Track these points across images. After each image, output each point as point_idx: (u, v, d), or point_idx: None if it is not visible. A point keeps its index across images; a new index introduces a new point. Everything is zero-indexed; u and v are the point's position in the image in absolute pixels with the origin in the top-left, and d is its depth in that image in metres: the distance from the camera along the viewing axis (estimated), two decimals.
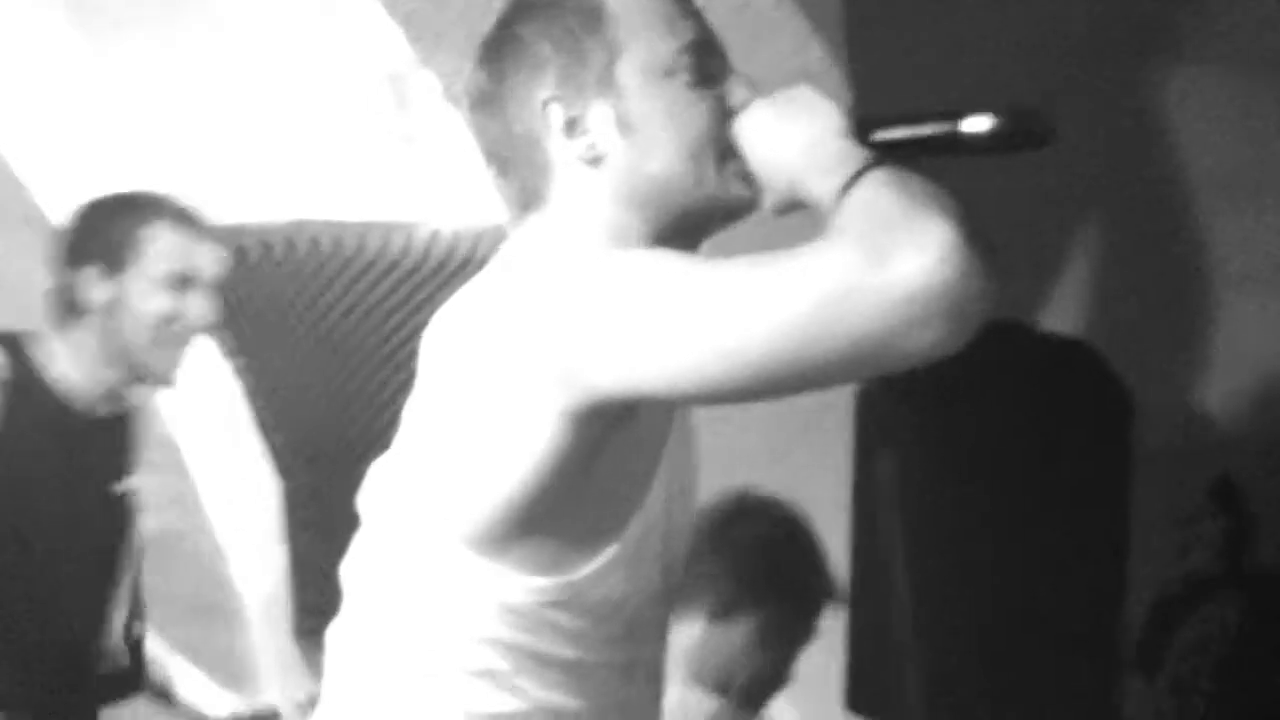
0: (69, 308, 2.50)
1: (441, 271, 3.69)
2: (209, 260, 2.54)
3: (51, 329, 2.51)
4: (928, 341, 1.12)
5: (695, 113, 1.35)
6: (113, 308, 2.47)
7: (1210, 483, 3.00)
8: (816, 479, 2.83)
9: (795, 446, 2.97)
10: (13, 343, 2.48)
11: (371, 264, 3.74)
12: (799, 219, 1.36)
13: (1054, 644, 2.75)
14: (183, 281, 2.49)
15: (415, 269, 3.71)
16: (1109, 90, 2.75)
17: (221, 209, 3.76)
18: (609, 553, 1.30)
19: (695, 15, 1.41)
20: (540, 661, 1.31)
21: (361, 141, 3.54)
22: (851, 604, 2.67)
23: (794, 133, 1.30)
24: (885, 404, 2.86)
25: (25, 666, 2.49)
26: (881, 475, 2.85)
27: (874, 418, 2.87)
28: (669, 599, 1.47)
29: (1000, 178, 2.74)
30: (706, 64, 1.37)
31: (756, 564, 2.19)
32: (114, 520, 2.61)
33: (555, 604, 1.30)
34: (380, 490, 1.38)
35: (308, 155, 3.65)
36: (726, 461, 3.01)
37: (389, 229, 3.70)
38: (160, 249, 2.49)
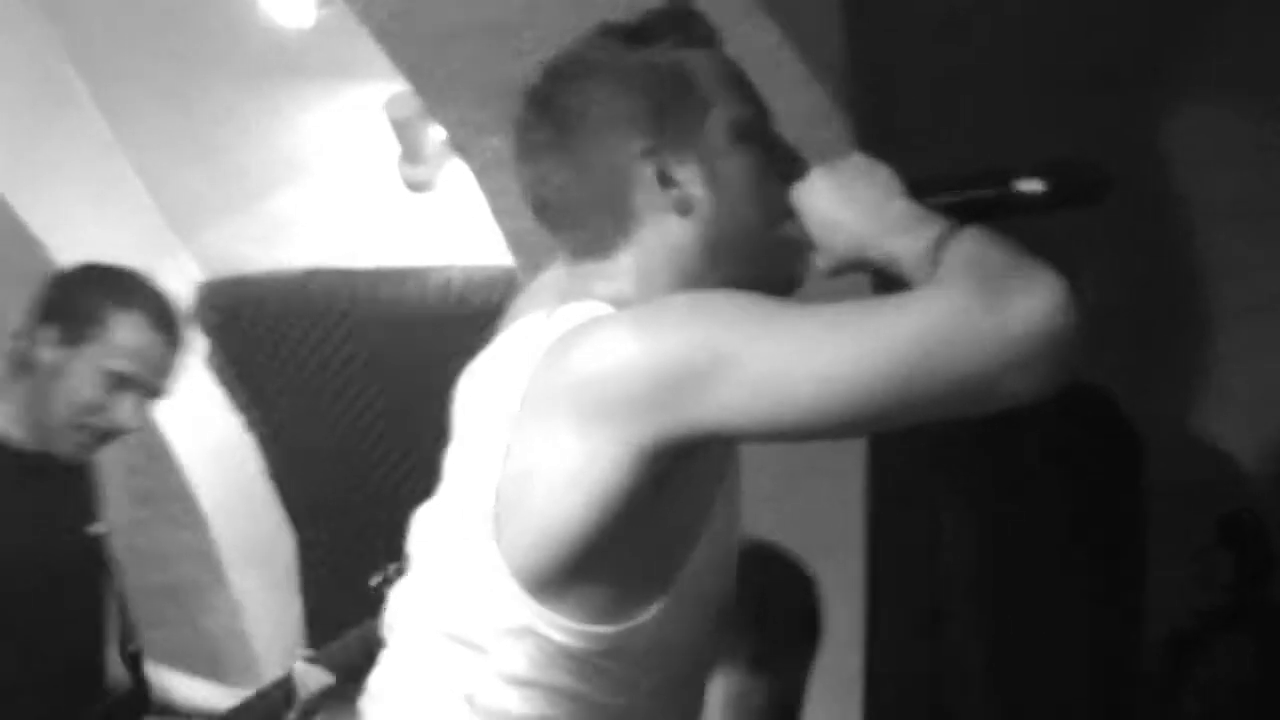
0: (20, 361, 2.48)
1: (454, 318, 3.70)
2: (159, 369, 2.50)
3: (3, 377, 2.49)
4: (1031, 384, 1.17)
5: (769, 179, 1.39)
6: (52, 374, 2.44)
7: (1222, 517, 2.98)
8: (828, 520, 2.82)
9: (807, 487, 2.97)
10: None
11: (384, 311, 3.75)
12: None
13: (1074, 680, 2.73)
14: (123, 381, 2.45)
15: (427, 315, 3.72)
16: (1113, 121, 2.76)
17: (234, 260, 3.80)
18: (664, 601, 1.29)
19: (754, 86, 1.46)
20: (591, 709, 1.31)
21: (372, 190, 3.56)
22: (868, 643, 2.66)
23: (856, 197, 1.34)
24: (899, 449, 2.85)
25: (31, 708, 2.49)
26: (900, 519, 2.84)
27: (887, 462, 2.87)
28: (714, 643, 1.47)
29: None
30: (769, 130, 1.42)
31: (789, 610, 2.19)
32: (86, 559, 2.61)
33: (609, 652, 1.29)
34: (430, 535, 1.38)
35: (320, 204, 3.66)
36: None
37: (401, 276, 3.71)
38: (120, 341, 2.45)
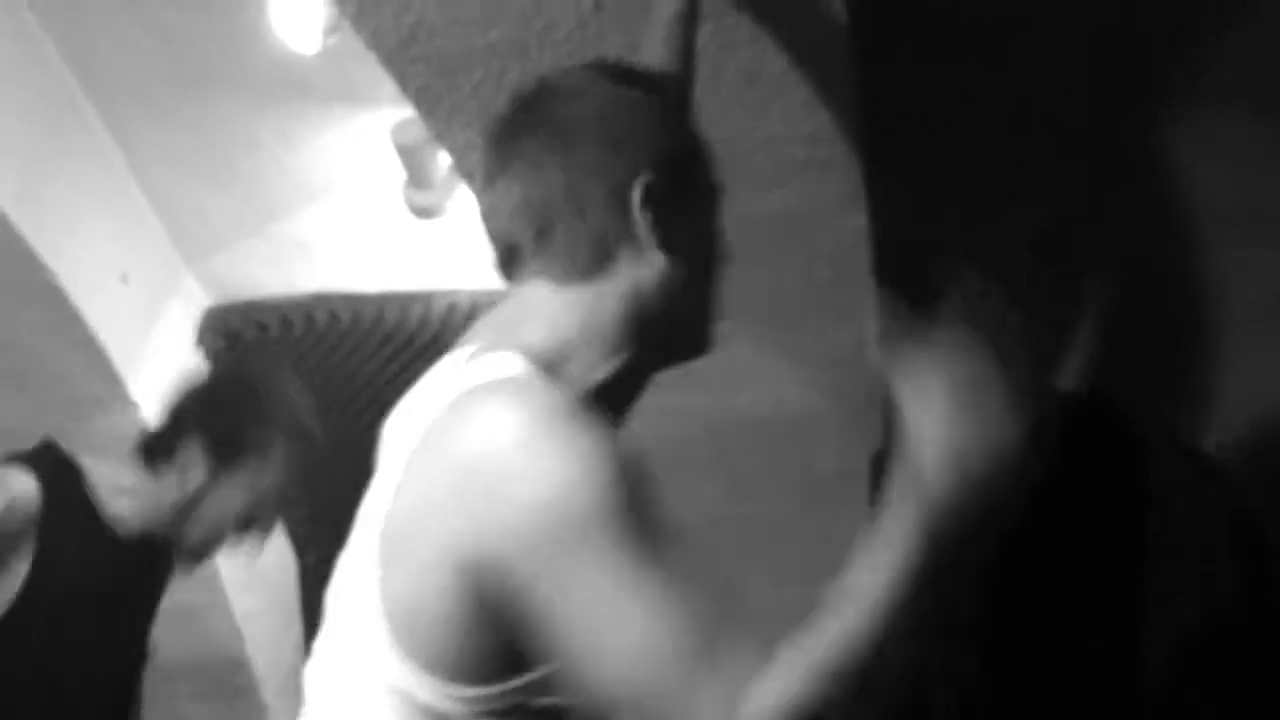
0: (158, 454, 2.52)
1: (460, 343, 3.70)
2: (296, 489, 2.59)
3: (128, 460, 2.55)
4: None
5: (721, 248, 1.43)
6: (199, 492, 2.50)
7: (1227, 522, 2.97)
8: (835, 547, 2.81)
9: (814, 513, 2.96)
10: (67, 466, 2.50)
11: (390, 336, 3.75)
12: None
13: (1082, 691, 2.72)
14: (268, 505, 2.55)
15: (433, 340, 3.72)
16: (1117, 126, 2.76)
17: (242, 284, 3.80)
18: (545, 667, 1.25)
19: None
20: None
21: (380, 214, 3.56)
22: None
23: (958, 434, 1.20)
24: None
25: None
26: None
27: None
28: None
29: (1014, 229, 2.76)
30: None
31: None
32: (138, 640, 2.64)
33: (484, 715, 1.25)
34: (336, 587, 1.36)
35: (327, 229, 3.67)
36: (748, 528, 3.02)
37: (406, 301, 3.71)
38: (273, 470, 2.52)
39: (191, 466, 2.49)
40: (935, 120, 2.60)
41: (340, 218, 3.61)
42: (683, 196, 1.38)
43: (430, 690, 1.24)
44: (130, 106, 3.39)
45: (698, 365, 2.97)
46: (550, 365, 1.31)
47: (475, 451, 1.20)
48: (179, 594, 3.77)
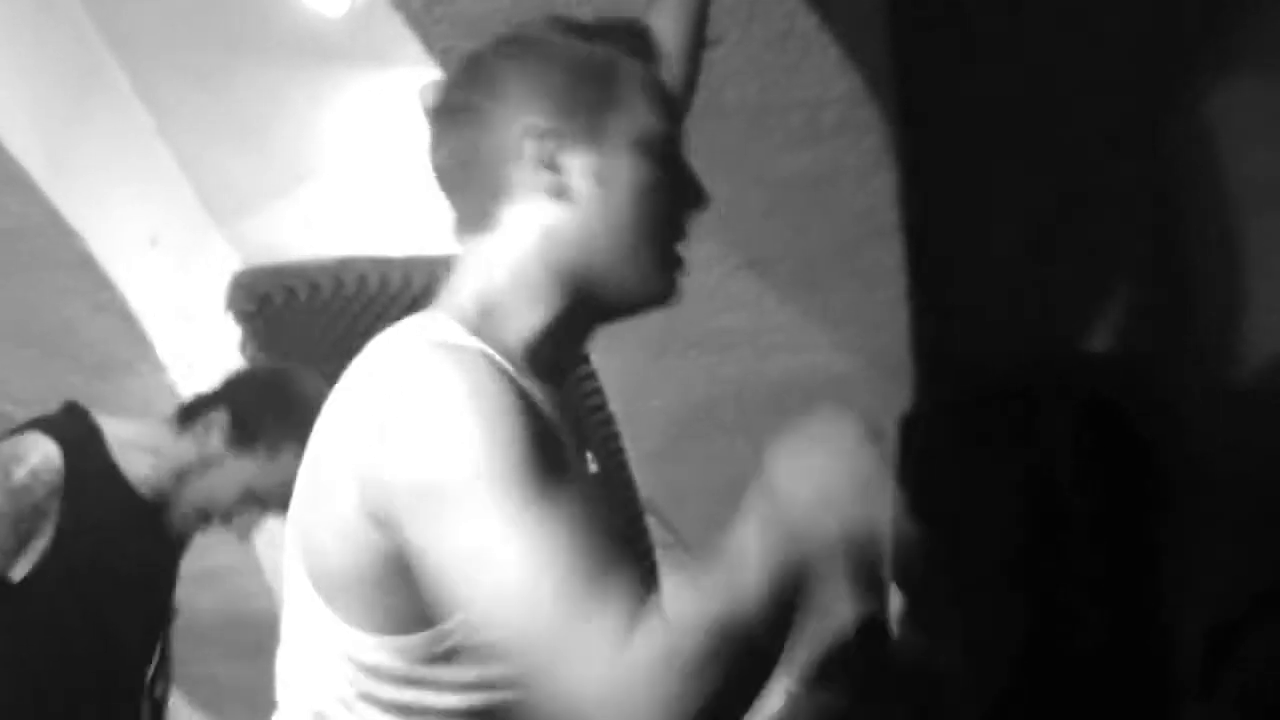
0: (189, 418, 2.56)
1: None
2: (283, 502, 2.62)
3: (154, 420, 2.61)
4: None
5: (664, 195, 1.39)
6: (206, 459, 2.53)
7: (1262, 506, 2.94)
8: None
9: None
10: (87, 428, 2.52)
11: (417, 300, 3.74)
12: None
13: (1100, 672, 2.71)
14: (258, 499, 2.56)
15: None
16: (1141, 99, 2.73)
17: (271, 247, 3.81)
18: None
19: (678, 110, 1.47)
20: (435, 714, 1.27)
21: (408, 177, 3.56)
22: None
23: (820, 492, 1.19)
24: (916, 431, 2.83)
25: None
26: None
27: (905, 447, 2.85)
28: None
29: (1045, 194, 2.74)
30: (677, 157, 1.42)
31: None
32: (162, 601, 2.66)
33: (421, 661, 1.25)
34: (287, 550, 1.37)
35: (356, 191, 3.67)
36: None
37: (434, 265, 3.70)
38: (279, 472, 2.51)
39: (211, 434, 2.52)
40: (967, 81, 2.57)
41: (368, 181, 3.61)
42: (590, 142, 1.36)
43: (359, 645, 1.25)
44: (158, 70, 3.39)
45: (729, 325, 2.96)
46: (478, 321, 1.32)
47: (369, 408, 1.23)
48: (208, 555, 3.81)
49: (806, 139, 2.42)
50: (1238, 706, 2.73)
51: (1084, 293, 3.11)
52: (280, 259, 3.79)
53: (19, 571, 2.39)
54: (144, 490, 2.53)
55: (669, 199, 1.39)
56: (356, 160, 3.57)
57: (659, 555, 3.57)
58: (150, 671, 2.65)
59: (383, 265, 3.74)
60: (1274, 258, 2.88)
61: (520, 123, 1.35)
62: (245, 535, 2.65)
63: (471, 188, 1.38)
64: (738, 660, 1.14)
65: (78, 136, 3.28)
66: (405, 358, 1.25)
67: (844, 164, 2.48)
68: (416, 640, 1.24)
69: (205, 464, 2.53)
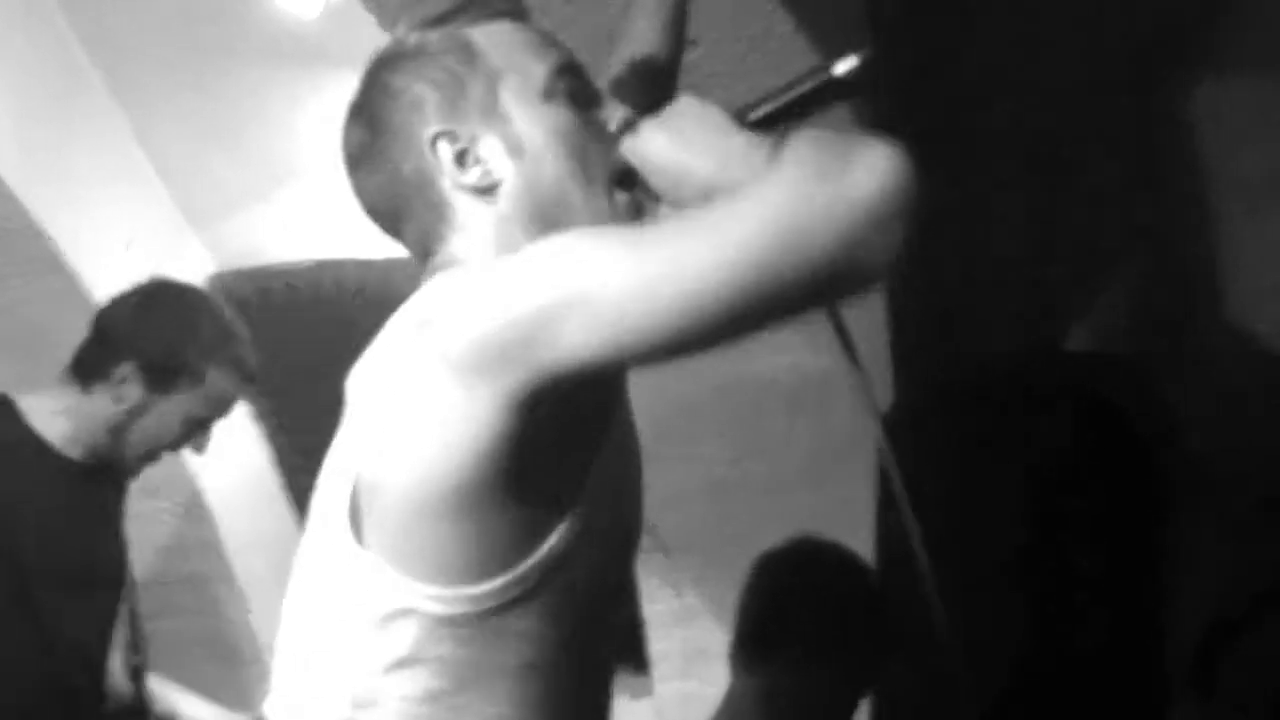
0: (91, 373, 2.53)
1: None
2: (233, 408, 2.63)
3: (61, 380, 2.56)
4: (883, 248, 1.14)
5: (580, 132, 1.39)
6: (133, 410, 2.52)
7: (1263, 501, 2.95)
8: (844, 510, 2.81)
9: (823, 476, 2.96)
10: (2, 404, 2.53)
11: (395, 302, 3.74)
12: None
13: (1099, 671, 2.71)
14: (203, 423, 2.58)
15: None
16: (1137, 97, 2.74)
17: (248, 250, 3.80)
18: (553, 540, 1.24)
19: (562, 44, 1.45)
20: (482, 674, 1.26)
21: None
22: None
23: (693, 140, 1.34)
24: (912, 431, 2.83)
25: (30, 709, 2.49)
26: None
27: (902, 447, 2.85)
28: (622, 593, 1.45)
29: (1034, 181, 2.74)
30: (580, 86, 1.42)
31: (840, 613, 2.15)
32: (110, 560, 2.65)
33: (490, 612, 1.24)
34: (309, 540, 1.36)
35: (333, 195, 3.66)
36: (756, 491, 3.01)
37: (412, 267, 3.70)
38: (209, 394, 2.56)
39: (127, 385, 2.50)
40: (950, 83, 2.58)
41: (346, 184, 3.60)
42: (492, 120, 1.37)
43: (431, 602, 1.23)
44: (136, 73, 3.39)
45: None
46: None
47: (469, 318, 1.19)
48: (182, 563, 3.80)
49: None
50: (1237, 707, 2.74)
51: (1077, 292, 3.12)
52: (257, 261, 3.79)
53: None
54: (72, 451, 2.52)
55: (590, 134, 1.39)
56: (334, 163, 3.56)
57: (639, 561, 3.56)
58: (115, 636, 2.64)
59: (360, 267, 3.74)
60: (1268, 255, 2.90)
61: (421, 138, 1.36)
62: (202, 449, 2.64)
63: (413, 215, 1.39)
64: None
65: (55, 139, 3.28)
66: (450, 278, 1.26)
67: None
68: (490, 587, 1.23)
69: (135, 414, 2.52)
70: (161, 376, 2.51)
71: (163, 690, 2.83)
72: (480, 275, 1.23)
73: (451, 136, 1.36)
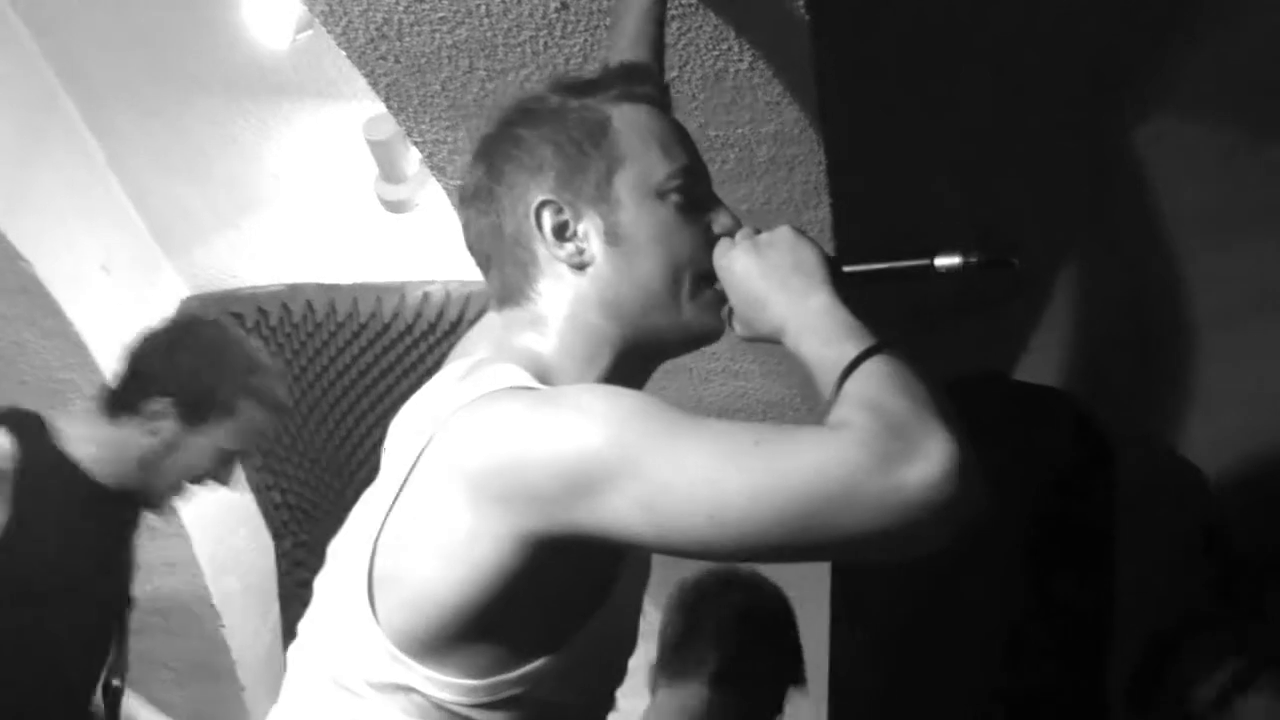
0: (122, 407, 2.59)
1: (432, 333, 3.73)
2: (265, 437, 2.70)
3: (91, 413, 2.62)
4: (921, 544, 1.16)
5: (682, 236, 1.40)
6: (168, 444, 2.58)
7: (1201, 523, 3.00)
8: None
9: None
10: (36, 422, 2.56)
11: (364, 326, 3.78)
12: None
13: (1039, 694, 2.75)
14: (235, 455, 2.63)
15: (406, 330, 3.75)
16: (1083, 133, 2.80)
17: (220, 275, 3.83)
18: (547, 661, 1.28)
19: (688, 139, 1.47)
20: None
21: (355, 207, 3.59)
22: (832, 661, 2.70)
23: (779, 279, 1.34)
24: None
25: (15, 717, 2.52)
26: None
27: None
28: (610, 698, 1.47)
29: (977, 225, 2.80)
30: (696, 190, 1.43)
31: (753, 633, 2.20)
32: (119, 584, 2.68)
33: (483, 706, 1.28)
34: (328, 574, 1.38)
35: (303, 221, 3.69)
36: None
37: (380, 291, 3.74)
38: (240, 426, 2.61)
39: (161, 420, 2.55)
40: (897, 117, 2.64)
41: (315, 210, 3.64)
42: (599, 203, 1.39)
43: (428, 684, 1.27)
44: (109, 102, 3.41)
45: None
46: (545, 375, 1.36)
47: (504, 449, 1.21)
48: (157, 580, 3.82)
49: (741, 174, 2.47)
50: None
51: (1022, 318, 3.17)
52: (229, 287, 3.81)
53: None
54: (101, 477, 2.56)
55: (690, 239, 1.40)
56: (303, 191, 3.59)
57: None
58: (108, 660, 2.67)
59: (330, 291, 3.76)
60: (1211, 285, 2.95)
61: (530, 201, 1.39)
62: (228, 481, 2.69)
63: (502, 267, 1.42)
64: (902, 378, 1.22)
65: (30, 167, 3.30)
66: (512, 397, 1.27)
67: (778, 197, 2.54)
68: (485, 683, 1.27)
69: (170, 448, 2.57)
70: (194, 411, 2.56)
71: (136, 710, 2.86)
72: (529, 413, 1.22)
73: (557, 208, 1.39)
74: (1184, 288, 3.01)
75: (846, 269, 1.38)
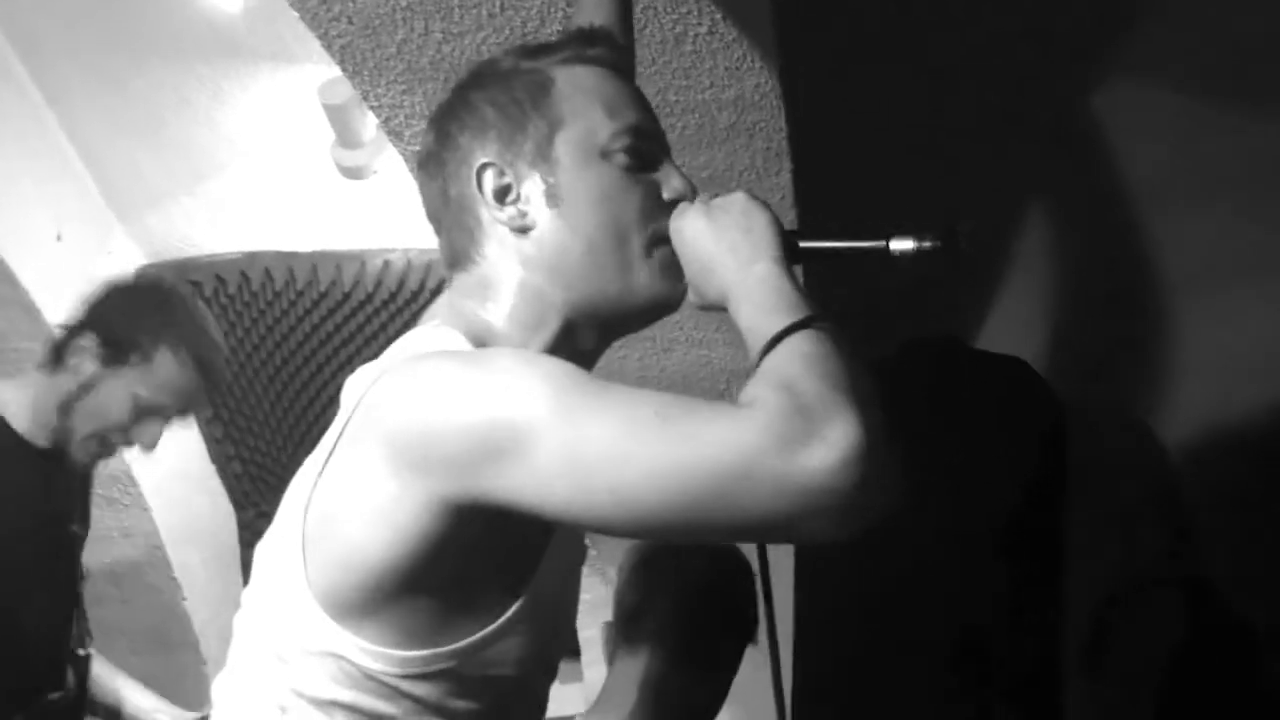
0: (58, 354, 2.56)
1: (393, 301, 3.71)
2: (189, 402, 2.58)
3: (28, 373, 2.60)
4: (819, 531, 1.13)
5: (627, 196, 1.37)
6: (85, 386, 2.52)
7: (1151, 488, 3.03)
8: None
9: None
10: None
11: (324, 295, 3.75)
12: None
13: (993, 645, 2.76)
14: (151, 409, 2.54)
15: (367, 299, 3.73)
16: (1044, 100, 2.80)
17: (176, 242, 3.80)
18: (477, 636, 1.27)
19: (640, 101, 1.45)
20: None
21: (312, 173, 3.56)
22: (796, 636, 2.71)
23: (728, 246, 1.32)
24: None
25: None
26: None
27: None
28: (549, 675, 1.46)
29: (939, 191, 2.80)
30: (644, 149, 1.40)
31: (711, 602, 2.19)
32: (66, 549, 2.66)
33: (412, 677, 1.27)
34: (265, 542, 1.37)
35: (260, 187, 3.66)
36: None
37: (340, 259, 3.72)
38: (159, 375, 2.53)
39: (83, 359, 2.52)
40: (859, 83, 2.63)
41: (272, 176, 3.61)
42: (541, 164, 1.38)
43: (359, 652, 1.26)
44: (60, 66, 3.37)
45: None
46: (487, 340, 1.34)
47: (419, 415, 1.21)
48: (116, 550, 3.80)
49: (703, 140, 2.46)
50: (1124, 682, 2.82)
51: (989, 282, 3.18)
52: (185, 254, 3.78)
53: None
54: (38, 440, 2.53)
55: (636, 201, 1.38)
56: (260, 156, 3.56)
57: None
58: (70, 630, 2.65)
59: (289, 259, 3.74)
60: (1164, 250, 2.96)
61: (472, 163, 1.38)
62: (151, 448, 2.60)
63: (451, 230, 1.41)
64: (827, 352, 1.20)
65: None
66: (433, 360, 1.26)
67: (739, 164, 2.53)
68: (414, 655, 1.26)
69: (85, 389, 2.51)
70: (114, 351, 2.51)
71: (107, 677, 2.84)
72: (446, 380, 1.21)
73: (499, 170, 1.37)
74: (1144, 255, 3.02)
75: (802, 244, 1.36)
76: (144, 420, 2.55)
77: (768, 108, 2.39)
